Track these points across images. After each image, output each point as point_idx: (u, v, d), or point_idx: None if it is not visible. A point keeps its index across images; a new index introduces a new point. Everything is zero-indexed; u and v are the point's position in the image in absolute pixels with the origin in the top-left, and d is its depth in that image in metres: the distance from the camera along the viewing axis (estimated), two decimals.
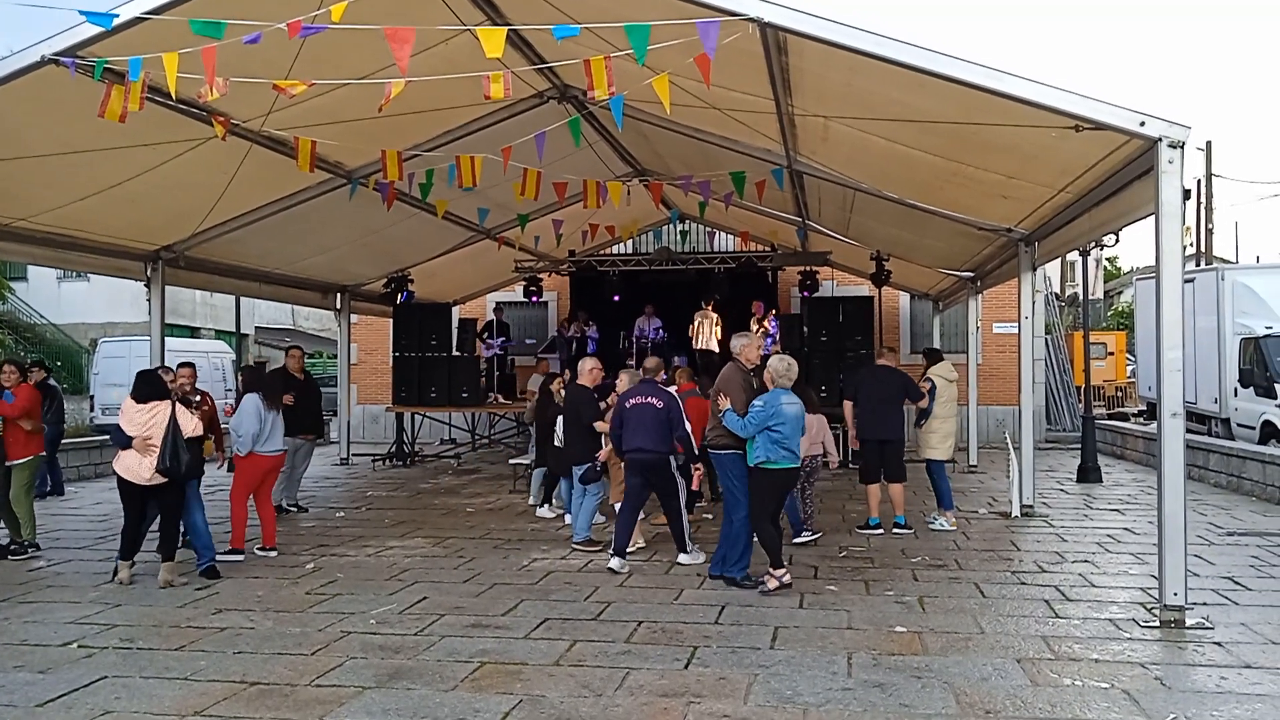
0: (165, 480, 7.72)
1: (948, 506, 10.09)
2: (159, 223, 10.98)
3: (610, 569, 8.08)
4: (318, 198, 11.42)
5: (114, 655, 5.96)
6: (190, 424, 7.78)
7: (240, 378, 9.68)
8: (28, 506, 9.06)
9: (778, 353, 9.43)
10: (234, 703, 5.11)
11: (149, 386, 7.90)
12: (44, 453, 9.41)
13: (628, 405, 8.41)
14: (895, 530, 9.62)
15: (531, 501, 11.66)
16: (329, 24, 6.09)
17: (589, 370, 9.38)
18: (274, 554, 8.87)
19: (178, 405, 7.85)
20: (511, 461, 13.84)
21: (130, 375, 8.47)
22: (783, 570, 7.37)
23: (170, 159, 9.15)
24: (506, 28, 7.00)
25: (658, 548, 9.03)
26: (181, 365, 9.17)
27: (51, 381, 13.24)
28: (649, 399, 8.34)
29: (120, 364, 22.13)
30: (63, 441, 13.74)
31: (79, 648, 6.11)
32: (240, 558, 8.64)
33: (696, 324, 17.77)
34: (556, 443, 10.03)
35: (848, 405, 10.01)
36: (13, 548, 8.93)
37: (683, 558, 8.43)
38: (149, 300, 11.86)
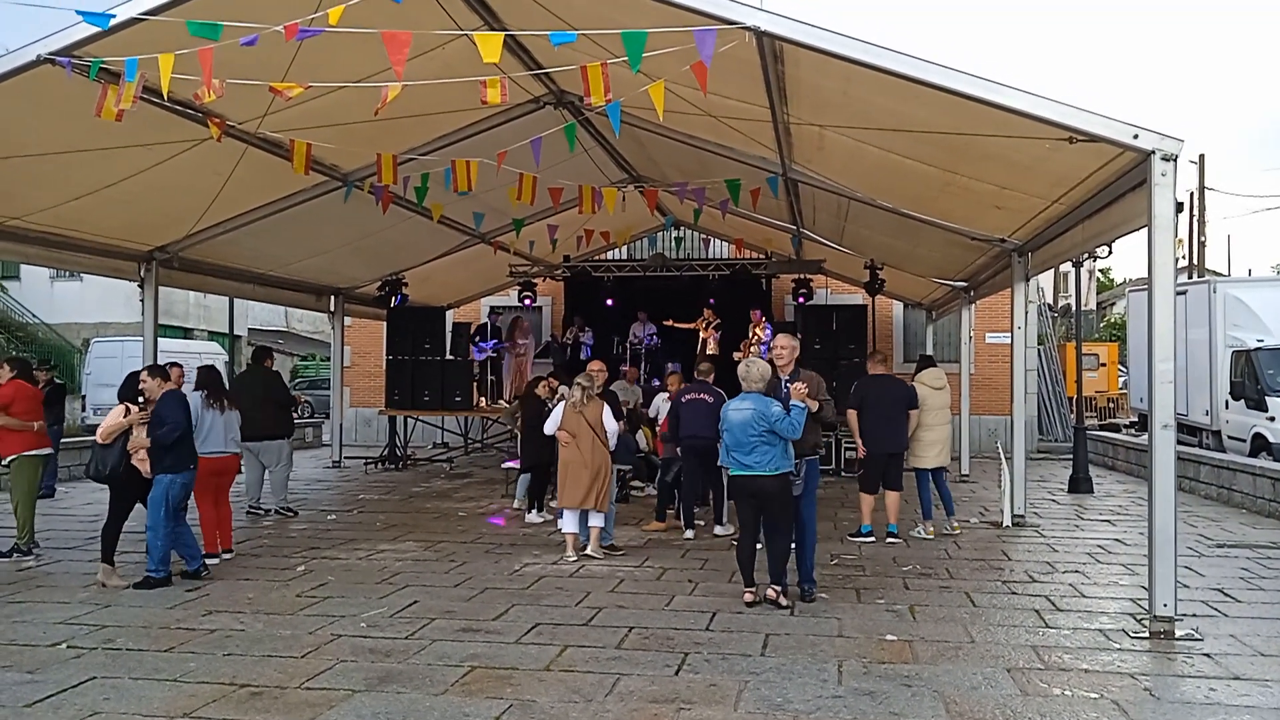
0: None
1: (926, 515, 10.16)
2: (153, 223, 10.97)
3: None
4: (312, 200, 11.43)
5: (103, 656, 5.93)
6: (101, 427, 7.88)
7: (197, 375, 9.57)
8: (22, 508, 8.97)
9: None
10: (223, 705, 5.09)
11: (121, 389, 8.10)
12: (32, 451, 9.07)
13: (684, 400, 9.95)
14: (888, 539, 9.63)
15: (516, 505, 11.72)
16: (326, 27, 6.10)
17: (598, 372, 9.68)
18: (230, 555, 8.81)
19: (115, 410, 8.00)
20: (504, 466, 13.83)
21: (122, 376, 8.43)
22: (748, 590, 7.18)
23: (165, 160, 9.15)
24: (504, 33, 7.02)
25: (650, 553, 9.04)
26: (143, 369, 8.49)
27: (57, 380, 13.23)
28: (702, 395, 9.76)
29: (112, 364, 22.11)
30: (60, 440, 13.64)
31: (68, 648, 6.09)
32: (217, 560, 8.63)
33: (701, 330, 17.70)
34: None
35: (852, 415, 9.86)
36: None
37: (718, 529, 9.97)
38: (142, 301, 11.85)
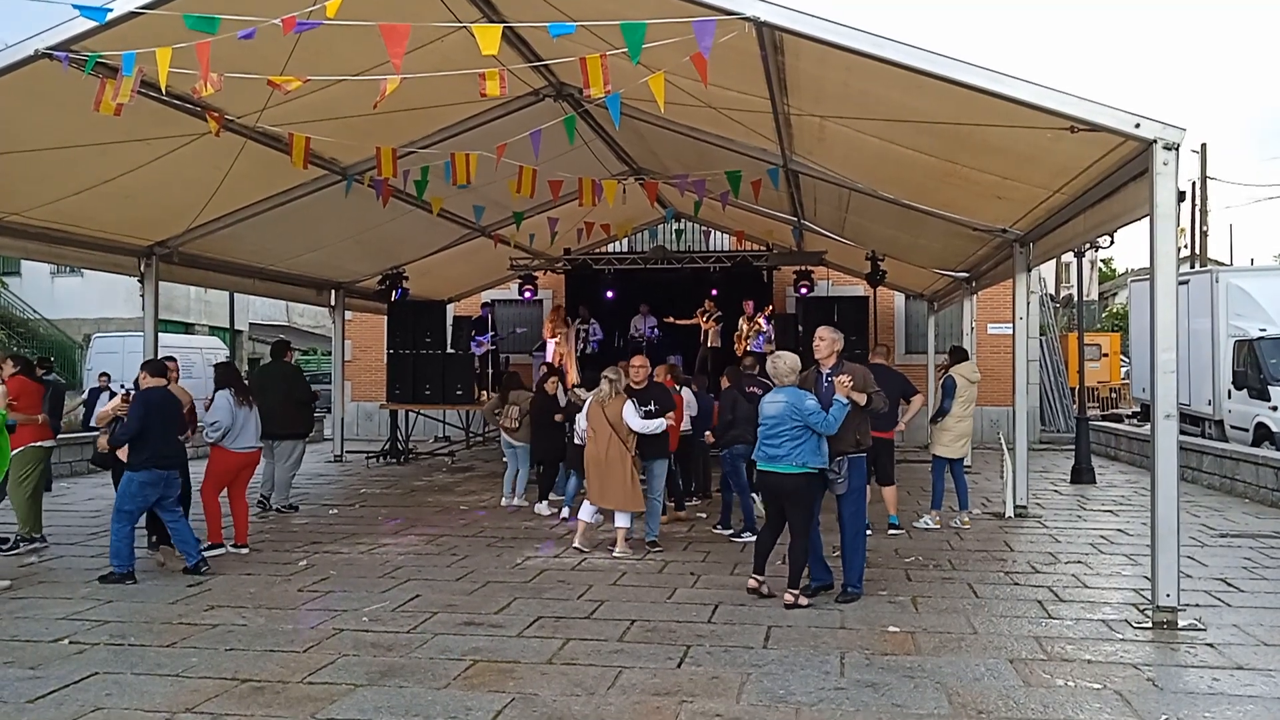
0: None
1: (935, 506, 10.17)
2: (153, 218, 10.96)
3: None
4: (312, 194, 11.40)
5: (105, 651, 5.94)
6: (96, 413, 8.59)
7: (215, 373, 9.57)
8: (18, 499, 8.99)
9: (771, 351, 9.44)
10: (225, 700, 5.09)
11: None
12: (38, 443, 9.05)
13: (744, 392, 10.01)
14: (890, 531, 9.63)
15: (504, 502, 11.70)
16: (324, 20, 6.06)
17: (638, 367, 9.36)
18: (245, 551, 8.85)
19: (116, 398, 8.55)
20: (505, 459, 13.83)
21: (124, 371, 8.52)
22: (753, 576, 7.21)
23: (164, 154, 9.13)
24: (502, 25, 6.98)
25: (649, 546, 9.04)
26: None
27: (53, 376, 13.23)
28: (754, 390, 9.56)
29: (113, 360, 22.06)
30: (56, 437, 13.61)
31: (70, 644, 6.09)
32: (221, 551, 8.65)
33: (702, 323, 17.68)
34: (578, 440, 9.90)
35: None
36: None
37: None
38: (143, 296, 11.85)
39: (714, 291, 17.59)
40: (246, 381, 9.91)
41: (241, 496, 9.12)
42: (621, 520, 8.78)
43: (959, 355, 10.64)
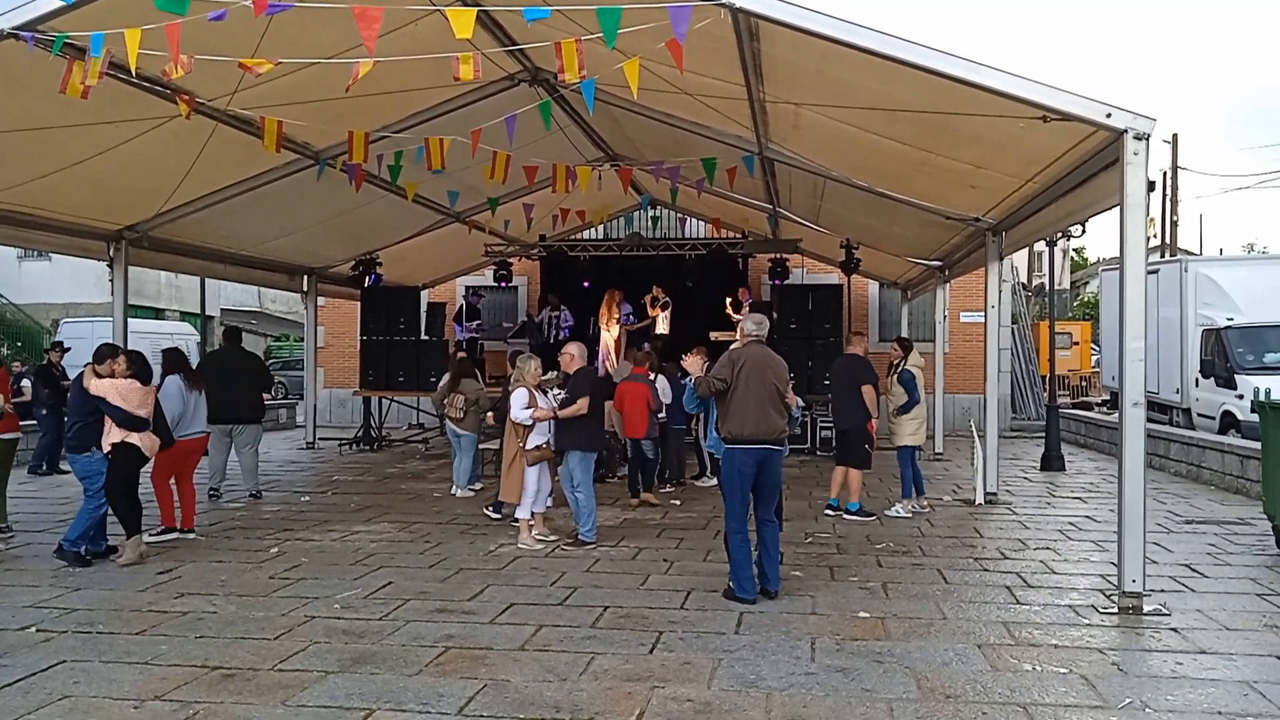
0: None
1: (906, 495, 10.25)
2: (122, 202, 10.82)
3: None
4: (284, 178, 11.30)
5: (73, 639, 5.88)
6: None
7: (162, 359, 9.41)
8: None
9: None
10: (195, 687, 5.06)
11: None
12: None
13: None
14: (837, 513, 9.87)
15: (455, 491, 11.63)
16: (296, 2, 6.00)
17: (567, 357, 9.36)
18: (192, 536, 8.80)
19: None
20: (480, 446, 13.79)
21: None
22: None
23: (134, 137, 9.01)
24: (476, 8, 6.94)
25: (625, 533, 9.05)
26: None
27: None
28: None
29: (82, 345, 21.78)
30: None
31: (37, 632, 6.03)
32: (173, 536, 8.66)
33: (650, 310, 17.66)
34: None
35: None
36: None
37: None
38: (112, 281, 11.70)
39: (688, 283, 17.51)
40: (202, 366, 9.82)
41: (189, 482, 9.00)
42: (516, 511, 8.74)
43: (907, 346, 10.73)
